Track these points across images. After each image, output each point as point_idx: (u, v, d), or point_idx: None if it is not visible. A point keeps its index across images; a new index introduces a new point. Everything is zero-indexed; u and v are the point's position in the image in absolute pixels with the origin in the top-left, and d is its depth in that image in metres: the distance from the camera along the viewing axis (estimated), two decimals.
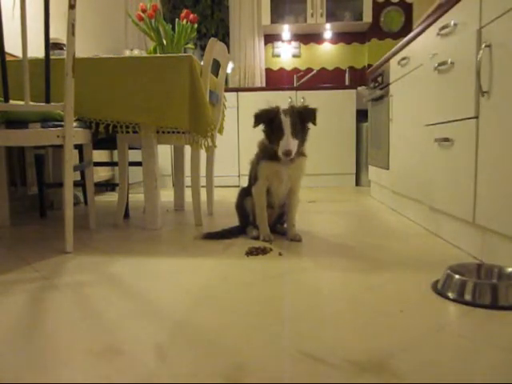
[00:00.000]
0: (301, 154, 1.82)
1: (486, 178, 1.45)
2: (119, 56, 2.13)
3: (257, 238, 1.90)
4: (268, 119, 1.74)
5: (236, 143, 4.19)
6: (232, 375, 0.80)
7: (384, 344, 0.91)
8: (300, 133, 1.72)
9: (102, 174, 3.61)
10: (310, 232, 2.06)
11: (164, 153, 4.07)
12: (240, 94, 4.15)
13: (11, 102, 1.65)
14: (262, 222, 1.89)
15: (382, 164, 2.93)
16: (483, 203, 1.47)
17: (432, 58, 1.90)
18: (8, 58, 1.67)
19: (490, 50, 1.40)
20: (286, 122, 1.68)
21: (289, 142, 1.67)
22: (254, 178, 1.89)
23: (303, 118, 1.74)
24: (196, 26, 2.44)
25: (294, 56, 4.72)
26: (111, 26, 4.34)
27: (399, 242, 1.82)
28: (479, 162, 1.49)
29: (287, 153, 1.66)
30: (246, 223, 2.00)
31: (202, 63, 2.18)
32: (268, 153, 1.80)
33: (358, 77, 4.60)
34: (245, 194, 2.00)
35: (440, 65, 1.79)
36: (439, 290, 1.20)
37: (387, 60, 2.74)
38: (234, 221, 2.09)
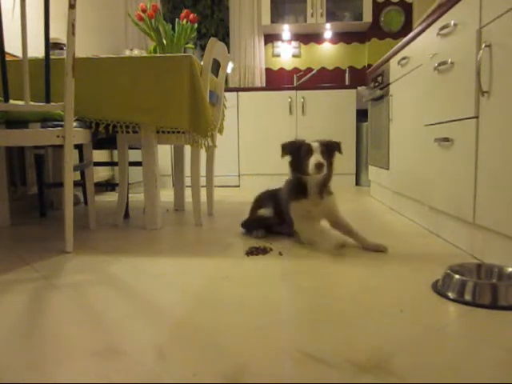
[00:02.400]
0: (328, 192, 1.82)
1: (485, 178, 1.45)
2: (119, 56, 2.13)
3: (260, 238, 1.91)
4: (295, 148, 1.76)
5: (236, 143, 4.19)
6: (232, 375, 0.80)
7: (384, 344, 0.91)
8: (326, 159, 1.72)
9: (102, 173, 3.61)
10: None
11: (164, 153, 4.06)
12: (240, 93, 4.15)
13: (11, 101, 1.65)
14: (327, 237, 1.69)
15: (381, 164, 2.92)
16: (483, 203, 1.47)
17: (432, 57, 1.90)
18: (8, 58, 1.66)
19: (490, 50, 1.40)
20: (315, 145, 1.72)
21: (319, 157, 1.68)
22: (287, 215, 1.85)
23: (330, 149, 1.76)
24: (196, 25, 2.44)
25: (294, 56, 4.71)
26: (111, 26, 4.34)
27: (399, 242, 1.82)
28: (479, 161, 1.49)
29: (318, 165, 1.66)
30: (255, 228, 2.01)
31: (202, 63, 2.18)
32: (296, 190, 1.80)
33: (358, 77, 4.59)
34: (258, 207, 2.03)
35: (440, 65, 1.79)
36: (439, 290, 1.20)
37: (387, 60, 2.74)
38: (234, 220, 2.09)
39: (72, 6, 1.61)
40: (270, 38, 4.70)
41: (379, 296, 1.20)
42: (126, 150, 2.28)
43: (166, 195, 3.42)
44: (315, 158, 1.68)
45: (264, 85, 4.66)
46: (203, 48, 4.56)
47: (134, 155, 2.70)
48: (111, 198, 3.54)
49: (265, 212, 1.96)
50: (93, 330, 1.01)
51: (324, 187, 1.79)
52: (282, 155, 1.80)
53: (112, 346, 0.92)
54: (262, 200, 2.06)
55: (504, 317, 1.04)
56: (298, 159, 1.76)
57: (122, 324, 1.03)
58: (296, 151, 1.76)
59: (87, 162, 2.13)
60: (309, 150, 1.71)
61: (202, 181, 2.35)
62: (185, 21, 2.39)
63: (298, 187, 1.80)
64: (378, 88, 2.98)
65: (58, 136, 1.72)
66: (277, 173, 3.94)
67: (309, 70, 4.67)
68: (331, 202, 1.83)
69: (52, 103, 1.71)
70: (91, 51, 3.59)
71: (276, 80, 4.74)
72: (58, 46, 2.35)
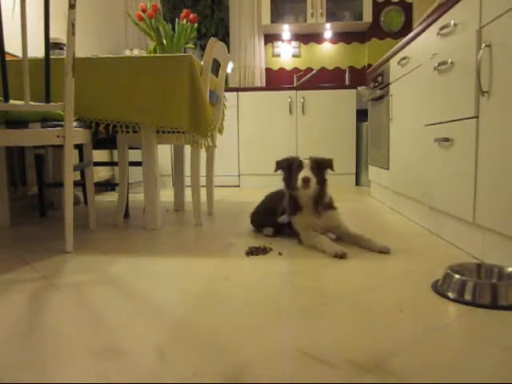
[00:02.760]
0: (329, 207, 1.83)
1: (485, 178, 1.45)
2: (119, 56, 2.13)
3: (271, 236, 1.94)
4: (288, 165, 1.81)
5: (236, 143, 4.19)
6: (232, 375, 0.80)
7: (384, 344, 0.91)
8: (317, 174, 1.74)
9: (101, 173, 3.61)
10: None
11: (164, 153, 4.06)
12: (240, 93, 4.15)
13: (11, 101, 1.65)
14: (328, 244, 1.67)
15: (382, 164, 2.92)
16: (483, 203, 1.47)
17: (432, 57, 1.90)
18: (8, 58, 1.66)
19: (490, 50, 1.40)
20: (305, 161, 1.76)
21: (306, 172, 1.71)
22: (292, 228, 1.86)
23: (321, 166, 1.79)
24: (196, 25, 2.44)
25: (294, 56, 4.71)
26: (111, 26, 4.34)
27: (399, 242, 1.82)
28: (479, 161, 1.49)
29: (305, 179, 1.68)
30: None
31: (201, 63, 2.18)
32: (292, 205, 1.81)
33: (358, 77, 4.59)
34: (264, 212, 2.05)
35: (440, 65, 1.79)
36: (439, 290, 1.20)
37: (387, 60, 2.74)
38: (234, 220, 2.09)
39: (72, 6, 1.61)
40: (270, 38, 4.70)
41: (379, 296, 1.20)
42: (126, 149, 2.28)
43: (166, 195, 3.42)
44: (303, 173, 1.71)
45: (264, 85, 4.66)
46: (203, 48, 4.56)
47: (134, 155, 2.70)
48: (111, 198, 3.54)
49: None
50: (93, 330, 1.01)
51: (318, 203, 1.78)
52: (276, 170, 1.85)
53: (112, 345, 0.92)
54: (273, 198, 2.06)
55: (504, 317, 1.04)
56: (289, 175, 1.79)
57: (122, 324, 1.03)
58: (288, 167, 1.80)
59: (87, 162, 2.13)
60: (299, 166, 1.74)
61: (202, 181, 2.35)
62: (185, 21, 2.39)
63: (293, 203, 1.81)
64: (378, 88, 2.98)
65: (58, 136, 1.72)
66: (277, 173, 3.94)
67: (309, 70, 4.67)
68: (333, 215, 1.83)
69: (52, 103, 1.71)
70: (91, 51, 3.59)
71: (276, 80, 4.74)
72: (58, 45, 2.36)
